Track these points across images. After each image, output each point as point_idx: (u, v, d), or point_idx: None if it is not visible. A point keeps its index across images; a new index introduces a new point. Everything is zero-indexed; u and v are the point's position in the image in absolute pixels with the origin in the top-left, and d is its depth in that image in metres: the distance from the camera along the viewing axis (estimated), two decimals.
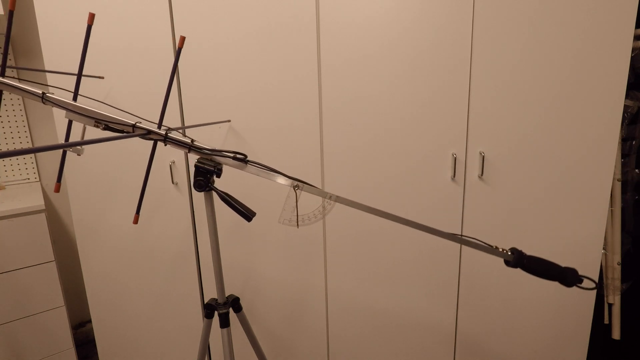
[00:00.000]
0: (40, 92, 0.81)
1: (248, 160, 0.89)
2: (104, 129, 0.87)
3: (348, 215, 1.33)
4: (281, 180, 0.87)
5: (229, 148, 1.29)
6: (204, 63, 1.23)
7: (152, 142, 1.21)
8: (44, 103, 0.83)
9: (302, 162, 1.30)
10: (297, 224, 0.94)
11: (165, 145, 0.88)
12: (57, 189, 0.91)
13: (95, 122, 0.86)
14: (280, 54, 1.22)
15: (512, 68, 1.16)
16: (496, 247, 0.84)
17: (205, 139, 1.28)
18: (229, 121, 1.26)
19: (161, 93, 1.24)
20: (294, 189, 0.88)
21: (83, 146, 0.93)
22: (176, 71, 1.24)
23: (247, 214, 0.91)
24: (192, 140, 0.89)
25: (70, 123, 1.00)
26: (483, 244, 0.84)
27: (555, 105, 1.18)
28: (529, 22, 1.13)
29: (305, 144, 1.28)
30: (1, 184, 1.65)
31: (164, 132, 0.87)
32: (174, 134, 0.88)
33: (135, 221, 1.09)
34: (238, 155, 0.88)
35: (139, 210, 1.04)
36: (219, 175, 0.92)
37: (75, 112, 0.86)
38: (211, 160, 0.90)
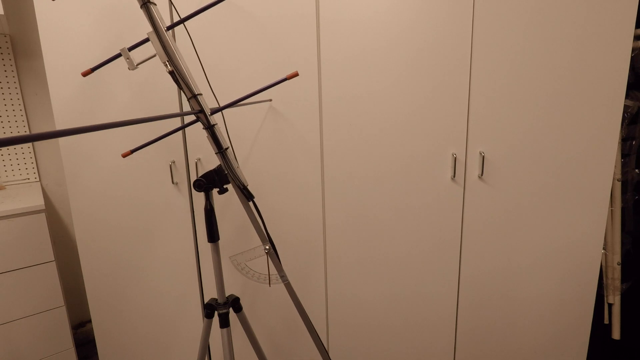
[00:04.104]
0: None
1: (253, 201, 0.93)
2: (170, 72, 0.85)
3: (348, 214, 1.33)
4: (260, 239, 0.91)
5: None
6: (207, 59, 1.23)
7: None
8: (140, 7, 0.80)
9: (302, 161, 1.30)
10: (269, 283, 0.99)
11: (204, 129, 0.87)
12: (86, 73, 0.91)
13: (168, 60, 0.84)
14: (280, 52, 1.22)
15: (512, 68, 1.16)
16: None
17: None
18: (270, 100, 1.26)
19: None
20: (265, 250, 0.97)
21: (137, 65, 0.89)
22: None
23: (211, 236, 0.96)
24: (226, 148, 0.90)
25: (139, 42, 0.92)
26: None
27: (555, 105, 1.18)
28: (529, 22, 1.13)
29: (304, 142, 1.28)
30: (1, 184, 1.65)
31: (212, 123, 0.86)
32: (216, 127, 0.87)
33: (124, 155, 1.08)
34: (246, 192, 0.91)
35: (135, 151, 1.05)
36: (220, 193, 0.94)
37: (159, 36, 0.81)
38: (226, 177, 0.92)
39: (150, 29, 1.19)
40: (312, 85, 1.24)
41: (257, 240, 1.36)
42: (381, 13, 1.17)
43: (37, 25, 1.64)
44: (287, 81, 1.23)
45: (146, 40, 0.89)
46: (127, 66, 1.22)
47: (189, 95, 0.84)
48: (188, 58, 1.23)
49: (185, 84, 0.83)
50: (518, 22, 1.13)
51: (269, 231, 1.36)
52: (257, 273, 1.05)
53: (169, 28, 0.85)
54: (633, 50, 1.29)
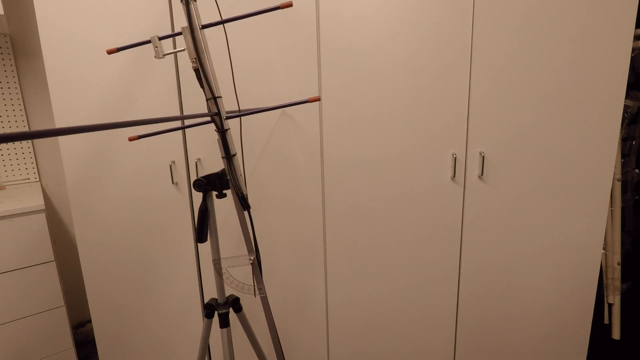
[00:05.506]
0: None
1: (248, 211, 0.96)
2: (195, 69, 0.85)
3: (348, 213, 1.33)
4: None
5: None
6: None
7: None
8: (181, 1, 0.81)
9: (302, 162, 1.30)
10: (255, 294, 1.02)
11: (216, 131, 0.87)
12: None
13: (196, 57, 0.83)
14: (279, 51, 1.22)
15: (512, 67, 1.16)
16: None
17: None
18: (283, 107, 1.26)
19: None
20: (249, 259, 1.00)
21: (163, 56, 0.89)
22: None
23: (200, 236, 0.98)
24: (234, 155, 0.90)
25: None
26: None
27: (555, 105, 1.18)
28: (529, 21, 1.13)
29: (304, 143, 1.29)
30: (1, 184, 1.65)
31: (225, 128, 0.87)
32: (228, 133, 0.89)
33: (131, 139, 1.10)
34: (244, 202, 0.94)
35: (142, 137, 1.06)
36: (218, 197, 0.94)
37: (192, 33, 0.81)
38: (227, 182, 0.92)
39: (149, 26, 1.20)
40: (311, 86, 1.24)
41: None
42: (380, 8, 1.17)
43: (37, 25, 1.64)
44: (288, 82, 1.24)
45: (178, 33, 0.90)
46: (128, 66, 1.22)
47: (209, 96, 0.84)
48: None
49: (207, 85, 0.83)
50: (518, 21, 1.13)
51: (267, 232, 1.37)
52: (235, 281, 1.06)
53: (204, 27, 0.85)
54: (633, 50, 1.29)
